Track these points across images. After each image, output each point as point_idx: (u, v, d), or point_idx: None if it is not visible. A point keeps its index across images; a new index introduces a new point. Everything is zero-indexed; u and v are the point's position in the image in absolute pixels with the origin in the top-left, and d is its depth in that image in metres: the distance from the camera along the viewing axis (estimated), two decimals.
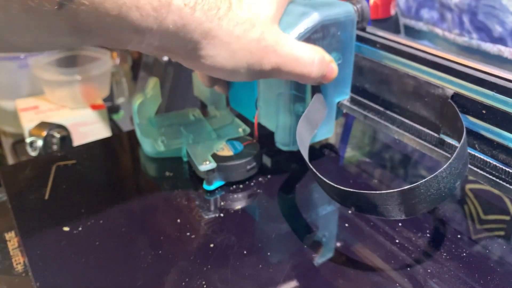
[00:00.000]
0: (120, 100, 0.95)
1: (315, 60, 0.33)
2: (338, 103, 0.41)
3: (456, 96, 0.34)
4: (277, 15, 0.33)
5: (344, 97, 0.41)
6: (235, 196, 0.38)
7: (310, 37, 0.34)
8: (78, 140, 0.73)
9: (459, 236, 0.33)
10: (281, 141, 0.40)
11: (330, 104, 0.40)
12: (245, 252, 0.32)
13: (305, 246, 0.33)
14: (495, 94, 0.32)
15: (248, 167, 0.39)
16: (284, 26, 0.33)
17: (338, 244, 0.33)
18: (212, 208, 0.36)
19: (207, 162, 0.37)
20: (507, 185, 0.31)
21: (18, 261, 0.36)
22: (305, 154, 0.33)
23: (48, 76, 0.79)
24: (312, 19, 0.34)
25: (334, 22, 0.36)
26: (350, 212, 0.36)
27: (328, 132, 0.42)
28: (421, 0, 0.63)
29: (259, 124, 0.41)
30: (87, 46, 0.27)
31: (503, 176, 0.32)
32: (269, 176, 0.40)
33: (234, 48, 0.30)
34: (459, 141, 0.31)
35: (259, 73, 0.32)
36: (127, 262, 0.31)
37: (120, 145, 0.47)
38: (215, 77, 0.39)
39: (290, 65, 0.32)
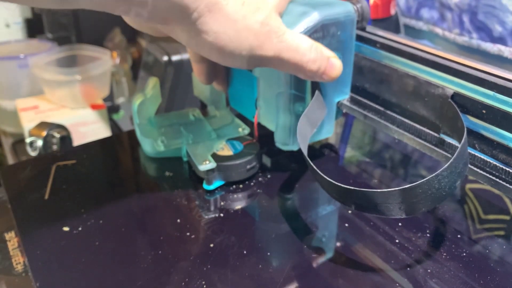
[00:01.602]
0: (120, 100, 0.95)
1: (313, 51, 0.33)
2: (338, 102, 0.41)
3: (456, 96, 0.34)
4: (280, 6, 0.32)
5: (344, 96, 0.41)
6: (235, 196, 0.38)
7: (310, 36, 0.34)
8: (78, 140, 0.73)
9: (459, 236, 0.33)
10: (280, 141, 0.40)
11: (330, 104, 0.40)
12: (245, 252, 0.32)
13: (305, 246, 0.33)
14: (495, 94, 0.32)
15: (248, 166, 0.39)
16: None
17: (338, 244, 0.33)
18: (212, 208, 0.36)
19: (207, 162, 0.37)
20: (507, 185, 0.31)
21: (18, 261, 0.36)
22: (306, 151, 0.33)
23: (48, 76, 0.79)
24: (312, 18, 0.34)
25: (334, 21, 0.36)
26: (350, 212, 0.36)
27: (328, 132, 0.42)
28: (421, 0, 0.63)
29: (259, 124, 0.41)
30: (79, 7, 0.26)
31: (503, 176, 0.32)
32: (269, 176, 0.40)
33: (238, 27, 0.29)
34: (459, 140, 0.31)
35: (259, 58, 0.31)
36: (127, 262, 0.31)
37: (120, 145, 0.47)
38: (213, 73, 0.39)
39: (290, 53, 0.32)
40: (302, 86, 0.37)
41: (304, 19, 0.34)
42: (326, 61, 0.34)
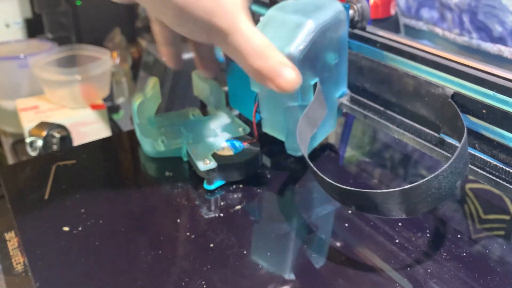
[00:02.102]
0: (120, 100, 0.95)
1: (265, 49, 0.31)
2: (338, 102, 0.41)
3: (456, 96, 0.34)
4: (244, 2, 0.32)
5: (343, 91, 0.41)
6: (235, 196, 0.38)
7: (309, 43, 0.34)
8: (78, 140, 0.73)
9: (459, 236, 0.33)
10: (292, 148, 0.40)
11: (331, 101, 0.40)
12: (245, 252, 0.32)
13: (305, 246, 0.33)
14: (495, 93, 0.32)
15: (249, 166, 0.39)
16: (281, 41, 0.33)
17: (338, 244, 0.33)
18: (212, 208, 0.36)
19: (208, 162, 0.37)
20: (507, 185, 0.31)
21: (18, 261, 0.36)
22: (306, 152, 0.33)
23: (48, 76, 0.79)
24: (308, 29, 0.34)
25: (329, 26, 0.36)
26: (350, 212, 0.36)
27: (331, 127, 0.42)
28: (421, 0, 0.63)
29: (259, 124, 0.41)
30: None
31: (503, 176, 0.32)
32: (269, 176, 0.40)
33: None
34: (459, 140, 0.31)
35: (213, 28, 0.30)
36: (127, 262, 0.31)
37: (120, 145, 0.47)
38: (181, 57, 0.39)
39: (241, 38, 0.31)
40: (308, 95, 0.37)
41: (300, 32, 0.34)
42: (277, 65, 0.31)
